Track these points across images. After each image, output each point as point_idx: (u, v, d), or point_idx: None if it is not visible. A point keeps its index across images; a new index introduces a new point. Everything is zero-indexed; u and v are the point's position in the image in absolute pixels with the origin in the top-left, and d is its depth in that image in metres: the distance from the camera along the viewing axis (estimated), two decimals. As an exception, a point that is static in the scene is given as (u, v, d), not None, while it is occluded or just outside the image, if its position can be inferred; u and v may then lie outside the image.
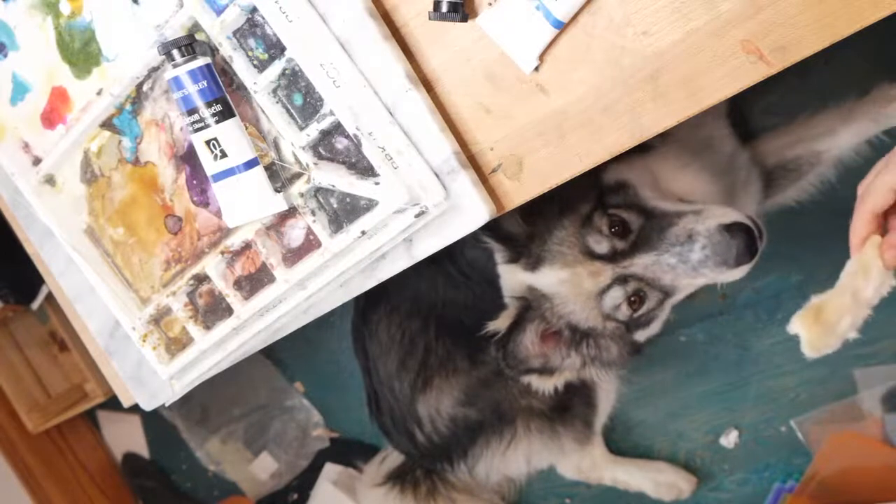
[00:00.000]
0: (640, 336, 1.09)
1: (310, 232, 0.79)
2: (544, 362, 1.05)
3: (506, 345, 1.01)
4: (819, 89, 1.26)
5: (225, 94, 0.75)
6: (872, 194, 0.65)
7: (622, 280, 0.97)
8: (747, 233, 0.91)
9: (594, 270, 0.97)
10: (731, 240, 0.90)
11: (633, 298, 0.98)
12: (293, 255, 0.81)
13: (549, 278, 1.00)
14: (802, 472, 1.41)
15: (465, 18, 0.67)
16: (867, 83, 1.22)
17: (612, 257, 0.96)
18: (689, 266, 0.93)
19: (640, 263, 0.95)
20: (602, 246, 0.97)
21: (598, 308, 1.00)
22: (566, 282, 0.99)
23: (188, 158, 0.83)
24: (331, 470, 1.91)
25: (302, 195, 0.77)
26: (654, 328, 1.10)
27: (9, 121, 0.91)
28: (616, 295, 0.97)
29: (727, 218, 0.92)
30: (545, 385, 1.08)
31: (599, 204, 0.99)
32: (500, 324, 1.03)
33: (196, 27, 0.76)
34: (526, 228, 1.02)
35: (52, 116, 0.89)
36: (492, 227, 1.01)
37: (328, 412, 1.96)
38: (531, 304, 1.03)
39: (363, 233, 0.74)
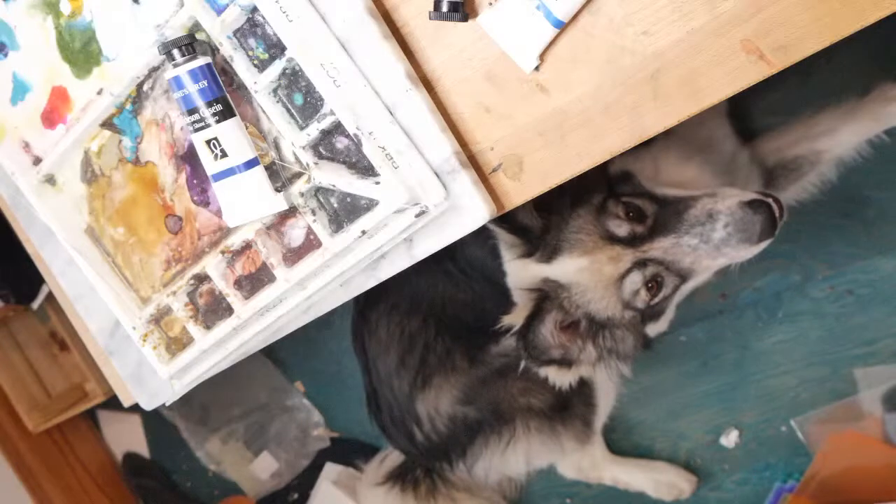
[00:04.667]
0: (651, 331, 1.09)
1: (310, 231, 0.79)
2: (563, 353, 1.05)
3: (526, 335, 1.01)
4: (820, 89, 1.26)
5: (225, 94, 0.75)
6: None
7: (641, 264, 0.97)
8: (768, 208, 0.91)
9: (614, 255, 0.97)
10: (753, 215, 0.90)
11: (650, 284, 0.98)
12: (293, 255, 0.81)
13: (567, 267, 0.99)
14: (803, 472, 1.41)
15: (465, 18, 0.67)
16: (868, 82, 1.22)
17: (632, 241, 0.96)
18: (711, 245, 0.93)
19: (660, 246, 0.95)
20: (622, 229, 0.97)
21: (618, 295, 0.99)
22: (585, 269, 0.98)
23: (188, 158, 0.83)
24: (331, 470, 1.91)
25: (302, 195, 0.77)
26: (663, 324, 1.10)
27: (9, 121, 0.91)
28: (635, 279, 0.97)
29: (746, 196, 0.92)
30: (563, 379, 1.07)
31: (611, 193, 0.99)
32: (514, 318, 1.02)
33: (196, 27, 0.76)
34: (540, 222, 1.01)
35: (52, 116, 0.89)
36: (507, 222, 1.02)
37: (328, 412, 1.96)
38: (548, 295, 1.02)
39: (363, 232, 0.74)
